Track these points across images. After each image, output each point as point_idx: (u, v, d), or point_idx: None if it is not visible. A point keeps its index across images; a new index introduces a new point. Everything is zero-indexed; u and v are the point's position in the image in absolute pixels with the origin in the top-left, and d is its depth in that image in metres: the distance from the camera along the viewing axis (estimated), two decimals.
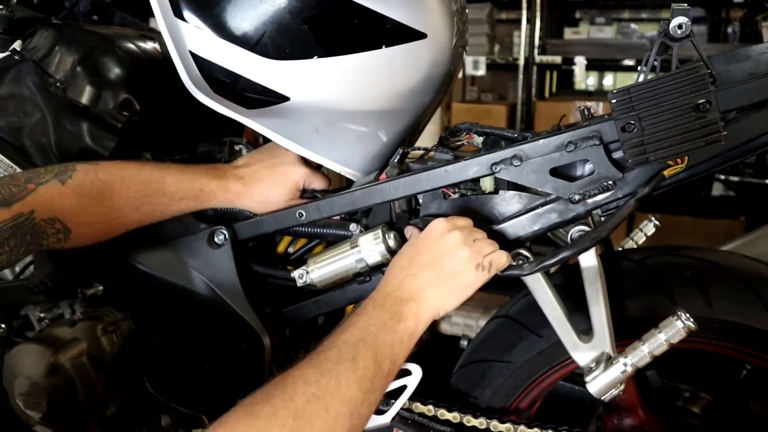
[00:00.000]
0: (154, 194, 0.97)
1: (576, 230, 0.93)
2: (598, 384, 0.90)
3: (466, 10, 1.15)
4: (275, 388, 0.69)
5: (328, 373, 0.71)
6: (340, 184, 1.19)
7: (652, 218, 1.26)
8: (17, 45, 1.12)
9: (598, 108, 3.47)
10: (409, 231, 0.94)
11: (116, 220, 0.95)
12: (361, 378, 0.73)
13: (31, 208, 0.84)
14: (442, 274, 0.84)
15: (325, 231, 1.05)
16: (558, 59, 4.02)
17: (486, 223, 0.95)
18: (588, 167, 0.89)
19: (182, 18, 1.00)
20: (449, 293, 0.84)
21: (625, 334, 0.94)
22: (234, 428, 0.66)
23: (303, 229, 1.05)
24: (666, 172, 0.84)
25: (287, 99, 1.01)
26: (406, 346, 0.80)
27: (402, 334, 0.79)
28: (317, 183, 1.08)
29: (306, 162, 1.07)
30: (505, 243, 0.92)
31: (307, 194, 1.07)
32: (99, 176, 0.92)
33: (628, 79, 5.28)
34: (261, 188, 1.04)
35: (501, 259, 0.86)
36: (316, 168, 1.09)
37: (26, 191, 0.85)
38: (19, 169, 1.07)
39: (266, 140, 1.24)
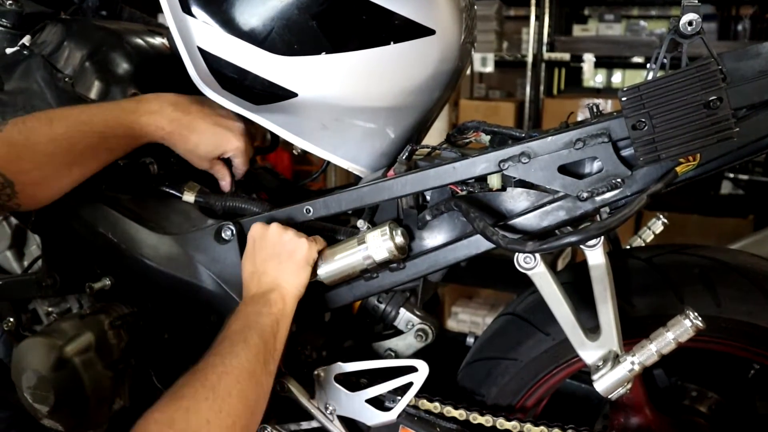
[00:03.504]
0: (82, 136, 0.98)
1: (584, 226, 0.92)
2: (605, 382, 0.89)
3: (475, 7, 1.15)
4: (190, 376, 0.81)
5: (229, 355, 0.84)
6: (347, 181, 1.19)
7: (661, 216, 1.25)
8: (26, 40, 1.12)
9: (607, 105, 3.46)
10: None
11: (50, 164, 0.96)
12: (255, 353, 0.86)
13: None
14: (282, 259, 0.96)
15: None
16: (566, 56, 4.01)
17: (494, 220, 0.94)
18: (596, 165, 0.89)
19: (190, 14, 1.01)
20: (297, 269, 0.97)
21: (632, 333, 0.93)
22: (165, 411, 0.77)
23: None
24: (678, 169, 0.83)
25: (295, 95, 1.01)
26: (283, 323, 0.93)
27: (276, 315, 0.92)
28: (241, 162, 1.10)
29: (245, 137, 1.09)
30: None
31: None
32: (27, 124, 0.96)
33: (637, 77, 5.26)
34: (194, 138, 1.05)
35: (319, 237, 1.01)
36: (250, 149, 1.11)
37: None
38: None
39: (274, 137, 1.24)
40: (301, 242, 0.97)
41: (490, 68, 4.13)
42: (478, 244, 0.95)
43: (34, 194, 0.96)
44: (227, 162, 1.11)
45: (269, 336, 0.89)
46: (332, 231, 1.06)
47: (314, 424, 1.05)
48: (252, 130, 1.13)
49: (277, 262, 0.96)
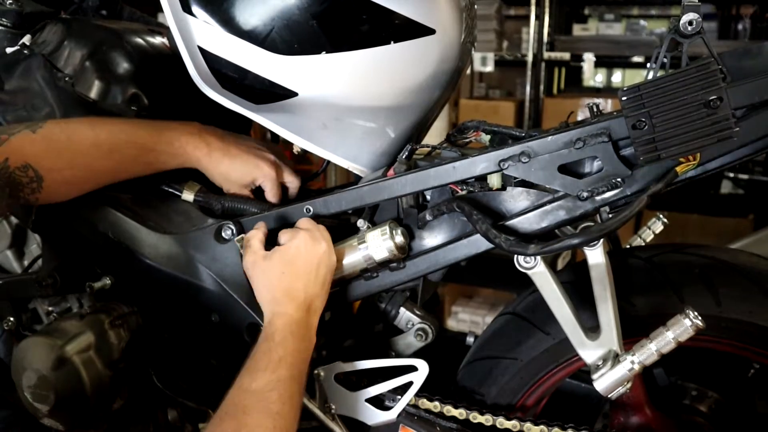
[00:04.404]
0: (124, 144, 1.00)
1: (584, 227, 0.92)
2: (605, 382, 0.89)
3: (475, 6, 1.15)
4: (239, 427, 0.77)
5: (277, 416, 0.80)
6: (347, 180, 1.19)
7: (661, 216, 1.26)
8: (27, 39, 1.12)
9: (607, 105, 3.46)
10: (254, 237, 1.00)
11: (86, 166, 0.97)
12: (296, 411, 0.84)
13: (6, 156, 0.88)
14: (326, 284, 0.95)
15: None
16: (566, 56, 4.01)
17: (494, 219, 0.94)
18: (596, 164, 0.89)
19: (191, 13, 1.00)
20: (326, 287, 0.95)
21: (632, 332, 0.93)
22: None
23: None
24: (678, 169, 0.83)
25: (295, 94, 1.01)
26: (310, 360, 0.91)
27: (311, 348, 0.91)
28: (272, 190, 1.10)
29: (277, 168, 1.10)
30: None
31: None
32: (69, 125, 0.97)
33: (637, 76, 5.26)
34: (228, 162, 1.07)
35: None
36: (282, 180, 1.12)
37: (0, 141, 0.89)
38: None
39: (274, 137, 1.24)
40: (334, 259, 0.96)
41: (490, 68, 4.13)
42: (478, 244, 0.95)
43: (58, 192, 0.96)
44: (259, 194, 1.12)
45: (304, 383, 0.88)
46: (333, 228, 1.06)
47: (314, 423, 1.05)
48: (287, 163, 1.15)
49: (322, 287, 0.94)
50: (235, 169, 1.07)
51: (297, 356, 0.87)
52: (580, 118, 1.12)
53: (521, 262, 0.90)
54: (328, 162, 1.11)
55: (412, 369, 1.00)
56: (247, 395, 0.81)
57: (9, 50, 1.12)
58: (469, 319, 3.00)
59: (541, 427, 0.99)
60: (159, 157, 1.03)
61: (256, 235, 0.98)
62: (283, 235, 0.96)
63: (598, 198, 0.89)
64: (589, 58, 3.89)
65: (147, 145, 1.01)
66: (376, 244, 0.97)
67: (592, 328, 0.93)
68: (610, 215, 0.90)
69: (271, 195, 1.11)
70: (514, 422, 1.00)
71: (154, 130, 1.03)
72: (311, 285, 0.93)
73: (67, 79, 1.09)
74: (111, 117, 1.07)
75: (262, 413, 0.79)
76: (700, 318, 0.83)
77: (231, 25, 0.99)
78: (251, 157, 1.09)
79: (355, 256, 0.99)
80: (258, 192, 1.12)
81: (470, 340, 1.34)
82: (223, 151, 1.07)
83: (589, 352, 0.92)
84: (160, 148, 1.03)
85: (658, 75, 0.81)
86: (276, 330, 0.88)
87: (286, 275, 0.92)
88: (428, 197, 1.03)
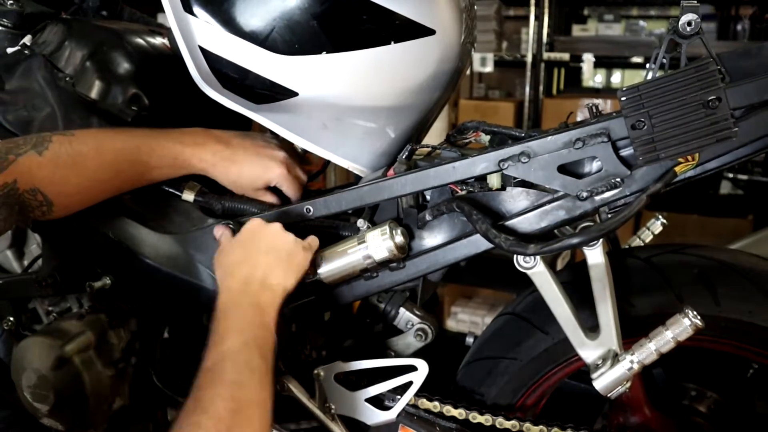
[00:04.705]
0: (129, 163, 0.99)
1: (584, 226, 0.93)
2: (604, 381, 0.90)
3: (475, 7, 1.15)
4: (198, 414, 0.74)
5: (235, 385, 0.78)
6: (347, 180, 1.19)
7: (660, 216, 1.26)
8: (27, 40, 1.12)
9: (606, 105, 3.46)
10: (220, 231, 1.02)
11: (94, 189, 0.98)
12: (259, 378, 0.80)
13: (14, 178, 0.88)
14: (280, 257, 0.93)
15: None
16: (566, 56, 4.01)
17: (493, 219, 0.95)
18: (596, 164, 0.89)
19: (192, 13, 1.01)
20: (289, 272, 0.93)
21: (632, 332, 0.93)
22: None
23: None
24: (677, 169, 0.84)
25: (296, 94, 1.01)
26: (273, 331, 0.87)
27: (269, 323, 0.87)
28: (288, 188, 1.09)
29: (288, 165, 1.09)
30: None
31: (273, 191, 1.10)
32: (74, 147, 0.95)
33: (636, 77, 5.26)
34: (235, 169, 1.06)
35: (315, 240, 0.99)
36: (296, 174, 1.11)
37: (7, 162, 0.88)
38: None
39: (274, 136, 1.24)
40: (299, 248, 0.95)
41: (489, 68, 4.13)
42: (477, 244, 0.95)
43: (68, 210, 0.97)
44: (278, 192, 1.11)
45: (266, 351, 0.84)
46: (333, 227, 1.06)
47: (314, 423, 1.05)
48: (299, 156, 1.14)
49: (274, 259, 0.92)
50: (244, 176, 1.06)
51: (244, 322, 0.85)
52: (579, 118, 1.13)
53: (521, 262, 0.91)
54: (328, 162, 1.11)
55: (412, 369, 1.00)
56: (203, 374, 0.79)
57: (10, 50, 1.12)
58: (469, 320, 3.01)
59: (541, 427, 0.99)
60: (162, 172, 1.03)
61: (224, 233, 1.01)
62: None
63: (597, 198, 0.89)
64: (588, 58, 3.90)
65: (150, 163, 1.01)
66: (376, 243, 0.97)
67: (591, 328, 0.93)
68: (610, 215, 0.91)
69: (290, 192, 1.10)
70: (513, 422, 1.00)
71: (156, 145, 1.02)
72: (253, 255, 0.92)
73: (67, 79, 1.09)
74: (114, 129, 1.06)
75: (217, 385, 0.77)
76: (699, 317, 0.84)
77: (232, 25, 0.99)
78: (260, 158, 1.07)
79: (354, 256, 0.99)
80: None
81: (470, 340, 1.34)
82: (230, 159, 1.05)
83: (588, 351, 0.93)
84: (163, 163, 1.02)
85: (657, 75, 0.81)
86: (220, 304, 0.89)
87: (233, 250, 0.95)
88: (428, 197, 1.03)
